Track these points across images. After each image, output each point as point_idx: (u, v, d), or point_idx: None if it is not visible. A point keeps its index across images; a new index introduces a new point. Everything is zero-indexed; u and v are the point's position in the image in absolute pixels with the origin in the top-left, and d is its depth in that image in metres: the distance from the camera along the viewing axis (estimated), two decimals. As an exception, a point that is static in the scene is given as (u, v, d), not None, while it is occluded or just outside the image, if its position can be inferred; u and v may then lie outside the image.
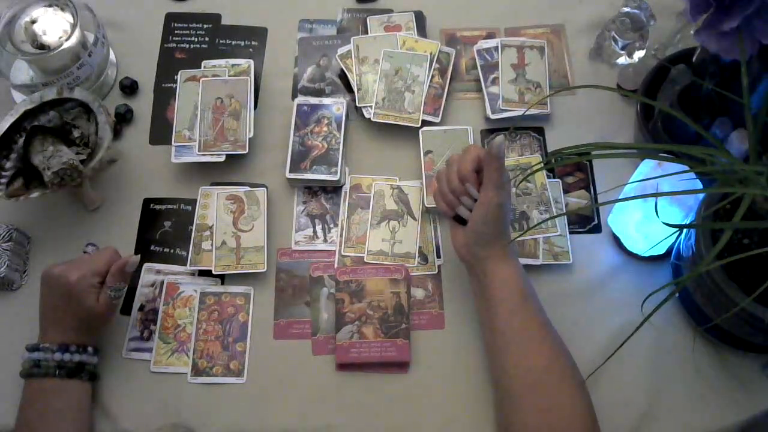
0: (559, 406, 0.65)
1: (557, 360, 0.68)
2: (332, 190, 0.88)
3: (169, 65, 0.98)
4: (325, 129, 0.89)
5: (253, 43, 0.99)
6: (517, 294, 0.70)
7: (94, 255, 0.76)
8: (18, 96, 0.92)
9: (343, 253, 0.84)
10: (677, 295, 0.79)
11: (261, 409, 0.77)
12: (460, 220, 0.75)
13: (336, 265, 0.84)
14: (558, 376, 0.66)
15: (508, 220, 0.73)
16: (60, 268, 0.73)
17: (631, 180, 0.77)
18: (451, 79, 0.93)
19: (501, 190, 0.70)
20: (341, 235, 0.85)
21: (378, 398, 0.77)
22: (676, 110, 0.70)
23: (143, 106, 0.95)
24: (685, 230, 0.73)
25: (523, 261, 0.81)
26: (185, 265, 0.84)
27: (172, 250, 0.86)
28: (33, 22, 0.89)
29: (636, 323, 0.58)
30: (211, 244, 0.83)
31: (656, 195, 0.62)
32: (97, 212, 0.88)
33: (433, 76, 0.92)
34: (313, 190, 0.88)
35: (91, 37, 0.91)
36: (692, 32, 0.90)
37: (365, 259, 0.84)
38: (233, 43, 0.99)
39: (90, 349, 0.74)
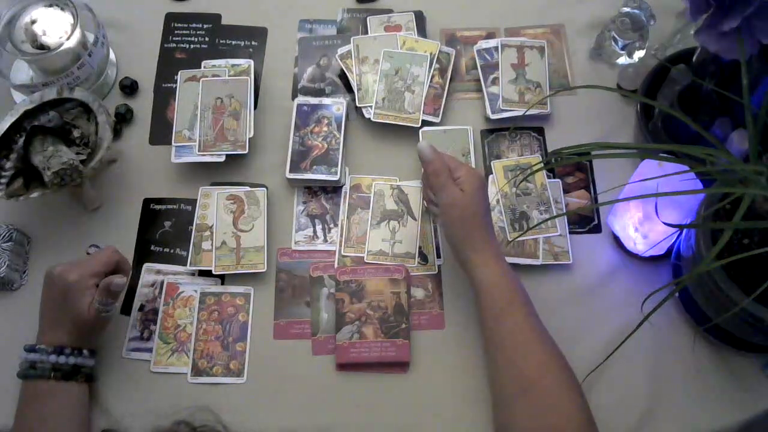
0: (553, 408, 0.65)
1: (549, 363, 0.67)
2: (332, 190, 0.88)
3: (169, 65, 0.97)
4: (325, 129, 0.89)
5: (253, 43, 0.99)
6: (502, 299, 0.70)
7: (94, 255, 0.76)
8: (18, 96, 0.92)
9: (343, 253, 0.84)
10: (677, 295, 0.79)
11: (261, 409, 0.77)
12: None
13: (336, 265, 0.84)
14: (551, 380, 0.66)
15: (476, 220, 0.72)
16: (61, 268, 0.73)
17: (631, 180, 0.77)
18: (451, 79, 0.93)
19: (444, 192, 0.73)
20: (341, 235, 0.85)
21: (378, 398, 0.77)
22: (676, 110, 0.70)
23: (143, 106, 0.95)
24: (685, 230, 0.73)
25: (523, 261, 0.81)
26: (185, 265, 0.84)
27: (172, 250, 0.86)
28: (33, 22, 0.89)
29: (636, 323, 0.58)
30: (211, 244, 0.83)
31: (656, 195, 0.62)
32: (97, 212, 0.88)
33: (433, 76, 0.92)
34: (313, 190, 0.88)
35: (91, 37, 0.91)
36: (692, 32, 0.90)
37: (365, 259, 0.84)
38: (233, 43, 0.99)
39: (86, 351, 0.74)
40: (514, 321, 0.69)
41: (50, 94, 0.85)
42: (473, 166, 0.88)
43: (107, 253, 0.76)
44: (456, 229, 0.73)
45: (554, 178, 0.87)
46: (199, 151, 0.87)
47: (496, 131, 0.91)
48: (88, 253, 0.82)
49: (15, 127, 0.83)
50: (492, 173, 0.87)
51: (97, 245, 0.83)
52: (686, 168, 0.62)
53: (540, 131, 0.91)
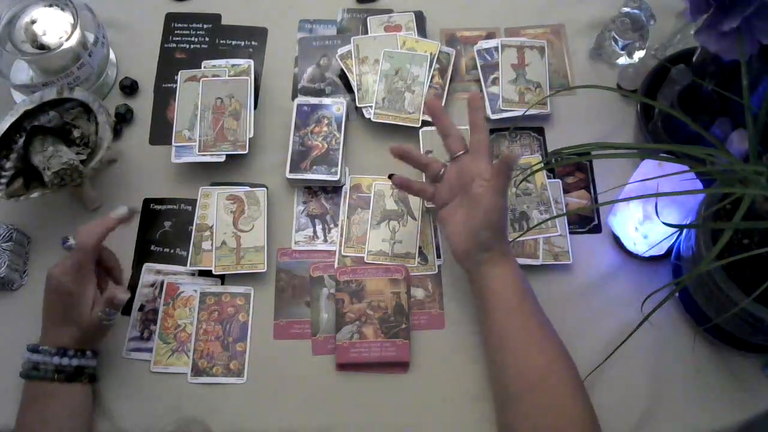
0: (557, 407, 0.65)
1: (556, 361, 0.67)
2: (332, 190, 0.88)
3: (169, 65, 0.98)
4: (325, 129, 0.89)
5: (253, 43, 0.99)
6: (514, 296, 0.71)
7: (76, 251, 0.73)
8: (18, 96, 0.92)
9: (343, 253, 0.84)
10: (677, 295, 0.79)
11: (261, 409, 0.77)
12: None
13: (336, 265, 0.84)
14: (557, 378, 0.66)
15: (506, 224, 0.74)
16: (58, 269, 0.72)
17: (631, 180, 0.77)
18: (451, 79, 0.93)
19: (504, 197, 0.71)
20: (341, 235, 0.85)
21: (378, 398, 0.77)
22: (676, 110, 0.70)
23: (143, 106, 0.95)
24: (685, 230, 0.73)
25: (523, 261, 0.81)
26: (185, 265, 0.84)
27: (172, 250, 0.86)
28: (33, 22, 0.89)
29: (636, 323, 0.58)
30: (211, 244, 0.83)
31: (656, 195, 0.62)
32: (97, 212, 0.88)
33: (433, 76, 0.92)
34: (313, 190, 0.88)
35: (91, 37, 0.92)
36: (692, 32, 0.90)
37: (365, 259, 0.84)
38: (233, 43, 0.99)
39: (89, 352, 0.74)
40: (525, 319, 0.69)
41: (50, 94, 0.85)
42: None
43: (79, 241, 0.73)
44: (489, 231, 0.72)
45: (554, 178, 0.87)
46: (199, 151, 0.87)
47: (496, 131, 0.91)
48: (69, 247, 0.80)
49: (15, 127, 0.83)
50: (492, 173, 0.87)
51: (68, 238, 0.81)
52: (686, 168, 0.62)
53: (540, 131, 0.91)
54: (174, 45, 0.99)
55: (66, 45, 0.87)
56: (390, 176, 0.80)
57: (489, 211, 0.71)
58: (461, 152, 0.78)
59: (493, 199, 0.71)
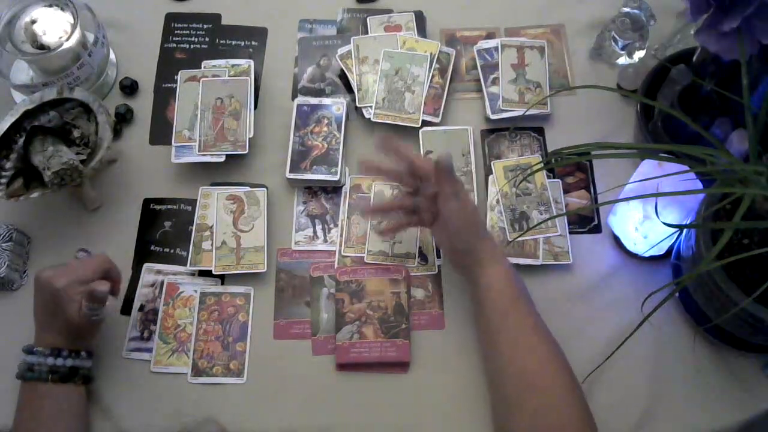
0: (552, 408, 0.65)
1: (550, 362, 0.67)
2: (332, 190, 0.88)
3: (169, 65, 0.98)
4: (325, 129, 0.89)
5: (253, 43, 0.99)
6: (506, 297, 0.71)
7: (84, 262, 0.74)
8: (18, 96, 0.92)
9: (343, 253, 0.84)
10: (677, 295, 0.79)
11: (261, 409, 0.77)
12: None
13: (336, 265, 0.84)
14: (551, 379, 0.66)
15: (479, 222, 0.75)
16: (48, 272, 0.72)
17: (631, 180, 0.77)
18: (451, 79, 0.93)
19: (456, 200, 0.72)
20: (341, 235, 0.85)
21: (378, 398, 0.77)
22: (676, 110, 0.70)
23: (143, 106, 0.95)
24: (685, 230, 0.73)
25: (523, 261, 0.81)
26: (185, 265, 0.84)
27: (172, 250, 0.86)
28: (33, 22, 0.89)
29: (636, 323, 0.58)
30: (211, 244, 0.83)
31: (656, 195, 0.62)
32: (97, 212, 0.88)
33: (433, 76, 0.92)
34: (313, 190, 0.88)
35: (91, 37, 0.92)
36: (692, 32, 0.90)
37: (365, 260, 0.84)
38: (233, 43, 0.99)
39: (83, 353, 0.74)
40: (518, 319, 0.70)
41: (50, 94, 0.85)
42: (473, 166, 0.88)
43: (98, 261, 0.74)
44: (461, 237, 0.73)
45: (554, 178, 0.87)
46: (199, 151, 0.87)
47: (496, 131, 0.91)
48: (76, 257, 0.81)
49: (15, 127, 0.83)
50: (492, 173, 0.87)
51: (87, 250, 0.82)
52: (686, 168, 0.62)
53: (540, 131, 0.91)
54: (174, 45, 0.99)
55: (66, 45, 0.87)
56: (377, 227, 0.80)
57: (450, 217, 0.73)
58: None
59: (447, 206, 0.73)
